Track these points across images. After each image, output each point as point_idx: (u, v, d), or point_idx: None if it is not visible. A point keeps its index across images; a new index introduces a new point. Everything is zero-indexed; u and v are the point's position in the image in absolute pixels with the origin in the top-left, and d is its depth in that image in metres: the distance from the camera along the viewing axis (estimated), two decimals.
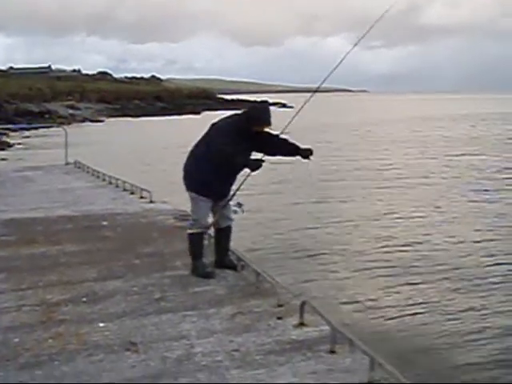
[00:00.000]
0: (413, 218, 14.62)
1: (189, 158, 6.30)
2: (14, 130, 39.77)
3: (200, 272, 6.24)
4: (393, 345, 7.28)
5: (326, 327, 4.59)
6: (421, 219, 14.45)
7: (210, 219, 6.38)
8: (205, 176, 6.08)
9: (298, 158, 6.29)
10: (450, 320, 8.25)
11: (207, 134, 6.20)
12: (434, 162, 25.65)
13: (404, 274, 10.15)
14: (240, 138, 5.97)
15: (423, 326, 8.06)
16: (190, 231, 6.35)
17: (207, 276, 6.18)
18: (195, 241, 6.31)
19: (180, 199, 9.08)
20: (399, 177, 21.39)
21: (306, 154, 6.15)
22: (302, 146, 6.21)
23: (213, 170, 6.03)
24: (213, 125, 6.20)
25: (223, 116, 6.36)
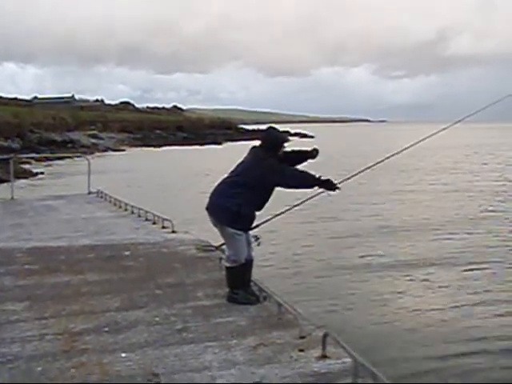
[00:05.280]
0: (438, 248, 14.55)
1: (222, 194, 6.22)
2: (38, 160, 40.16)
3: (241, 299, 6.24)
4: (416, 378, 7.21)
5: (349, 359, 4.54)
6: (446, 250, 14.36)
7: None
8: (245, 210, 6.08)
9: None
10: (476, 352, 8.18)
11: (248, 168, 6.20)
12: None
13: (430, 304, 10.11)
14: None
15: (452, 361, 7.95)
16: (229, 265, 6.33)
17: (250, 303, 6.20)
18: (237, 273, 6.29)
19: (201, 229, 9.13)
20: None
21: (313, 154, 6.40)
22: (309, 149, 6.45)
23: (251, 202, 6.08)
24: (256, 159, 6.21)
25: (253, 149, 6.39)
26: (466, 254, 13.81)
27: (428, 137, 7.39)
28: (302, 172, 6.17)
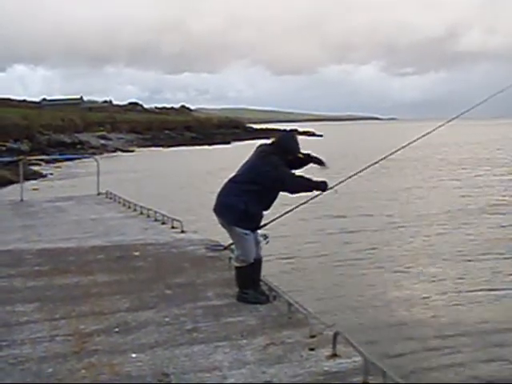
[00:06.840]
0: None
1: (229, 193, 6.21)
2: (47, 161, 40.24)
3: (251, 299, 6.22)
4: (427, 376, 7.18)
5: (359, 358, 4.53)
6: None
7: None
8: (252, 209, 6.07)
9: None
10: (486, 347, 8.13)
11: (253, 166, 6.19)
12: None
13: (442, 301, 10.07)
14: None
15: (462, 360, 7.90)
16: (238, 265, 6.32)
17: (260, 302, 6.18)
18: (247, 273, 6.28)
19: (210, 228, 9.13)
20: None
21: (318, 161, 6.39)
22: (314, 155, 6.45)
23: (258, 200, 6.06)
24: (260, 157, 6.21)
25: (259, 147, 6.37)
26: (478, 247, 13.75)
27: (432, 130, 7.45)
28: (301, 177, 6.19)
